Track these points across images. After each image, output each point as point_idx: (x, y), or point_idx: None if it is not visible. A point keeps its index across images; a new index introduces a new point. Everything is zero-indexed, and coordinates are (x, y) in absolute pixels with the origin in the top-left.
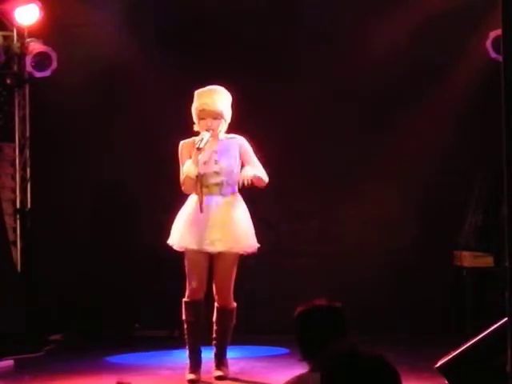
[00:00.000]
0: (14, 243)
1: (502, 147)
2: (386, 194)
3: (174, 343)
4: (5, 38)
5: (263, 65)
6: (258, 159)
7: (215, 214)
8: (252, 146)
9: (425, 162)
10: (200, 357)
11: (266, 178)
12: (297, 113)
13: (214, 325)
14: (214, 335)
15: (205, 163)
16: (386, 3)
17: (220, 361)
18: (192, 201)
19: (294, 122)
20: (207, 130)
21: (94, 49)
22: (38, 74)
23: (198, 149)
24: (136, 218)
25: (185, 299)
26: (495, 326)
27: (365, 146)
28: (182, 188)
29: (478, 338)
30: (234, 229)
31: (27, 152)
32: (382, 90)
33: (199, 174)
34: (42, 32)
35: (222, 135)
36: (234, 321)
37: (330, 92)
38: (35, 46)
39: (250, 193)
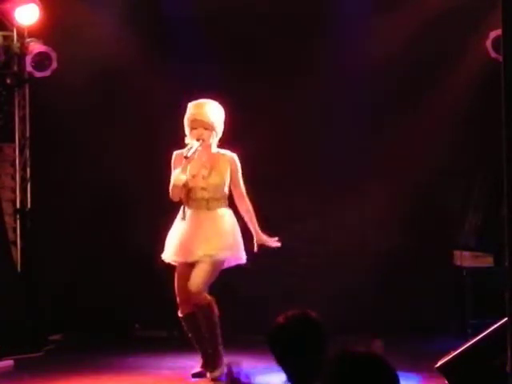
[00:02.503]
0: (14, 243)
1: (502, 147)
2: (386, 194)
3: (174, 343)
4: (5, 37)
5: (264, 65)
6: None
7: (201, 229)
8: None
9: (425, 161)
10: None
11: (252, 212)
12: (296, 113)
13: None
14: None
15: (193, 176)
16: (386, 3)
17: (214, 361)
18: (181, 215)
19: (293, 122)
20: (197, 140)
21: (94, 49)
22: (38, 74)
23: (186, 157)
24: (136, 218)
25: (179, 314)
26: (495, 326)
27: (365, 146)
28: (170, 195)
29: (478, 337)
30: (217, 240)
31: (27, 152)
32: (381, 89)
33: (186, 183)
34: (42, 32)
35: (215, 149)
36: (216, 315)
37: (330, 92)
38: (35, 46)
39: (246, 189)
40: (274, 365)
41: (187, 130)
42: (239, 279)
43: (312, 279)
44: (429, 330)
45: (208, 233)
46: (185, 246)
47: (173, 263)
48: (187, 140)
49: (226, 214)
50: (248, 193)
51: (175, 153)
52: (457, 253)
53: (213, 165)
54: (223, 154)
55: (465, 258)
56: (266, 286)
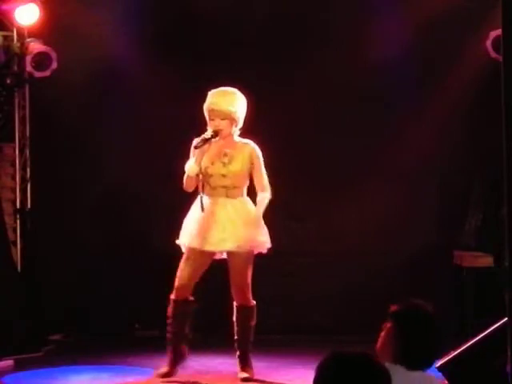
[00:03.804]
0: (14, 243)
1: (501, 147)
2: (386, 194)
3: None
4: (5, 37)
5: (264, 65)
6: None
7: (221, 216)
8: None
9: (425, 161)
10: (180, 355)
11: (267, 200)
12: (297, 112)
13: (235, 325)
14: (236, 336)
15: (212, 163)
16: (386, 3)
17: (244, 362)
18: (198, 201)
19: (294, 121)
20: (214, 131)
21: (93, 49)
22: (38, 74)
23: (196, 147)
24: (136, 217)
25: (172, 297)
26: (495, 326)
27: (365, 145)
28: (183, 186)
29: (477, 337)
30: (241, 228)
31: (27, 152)
32: (382, 89)
33: (201, 172)
34: (42, 32)
35: (237, 138)
36: (255, 320)
37: (331, 92)
38: (35, 46)
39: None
40: (272, 364)
41: (207, 120)
42: None
43: (312, 279)
44: None
45: (230, 221)
46: (204, 233)
47: (183, 250)
48: (208, 129)
49: (247, 202)
50: (248, 192)
51: (195, 140)
52: (457, 253)
53: (233, 153)
54: (245, 143)
55: (465, 258)
56: (264, 287)
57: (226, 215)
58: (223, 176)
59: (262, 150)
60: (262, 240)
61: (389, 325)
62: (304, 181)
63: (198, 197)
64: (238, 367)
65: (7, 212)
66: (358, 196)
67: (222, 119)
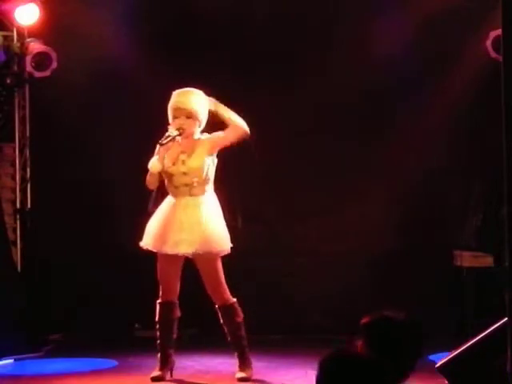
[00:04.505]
0: (14, 243)
1: (501, 147)
2: (386, 194)
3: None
4: (5, 37)
5: (263, 64)
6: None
7: (182, 216)
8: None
9: (425, 161)
10: (169, 358)
11: (243, 124)
12: (296, 112)
13: (223, 326)
14: (228, 338)
15: (173, 164)
16: (386, 3)
17: (242, 361)
18: (165, 202)
19: (294, 121)
20: (178, 129)
21: (93, 49)
22: (38, 74)
23: (161, 144)
24: (136, 217)
25: (158, 300)
26: (495, 326)
27: (365, 145)
28: (146, 183)
29: (477, 337)
30: (200, 230)
31: (27, 152)
32: (382, 89)
33: (165, 171)
34: (42, 32)
35: (197, 136)
36: (241, 316)
37: (331, 92)
38: (35, 46)
39: (246, 189)
40: (272, 364)
41: (170, 119)
42: (238, 279)
43: (312, 279)
44: (428, 330)
45: (190, 222)
46: (164, 235)
47: (154, 250)
48: (170, 128)
49: (210, 201)
50: (249, 192)
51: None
52: (457, 253)
53: (192, 150)
54: (199, 138)
55: (465, 258)
56: (264, 287)
57: (185, 217)
58: (184, 174)
59: (261, 150)
60: (221, 242)
61: (360, 342)
62: (304, 181)
63: (168, 199)
64: (236, 367)
65: (7, 212)
66: (358, 196)
67: (187, 118)
